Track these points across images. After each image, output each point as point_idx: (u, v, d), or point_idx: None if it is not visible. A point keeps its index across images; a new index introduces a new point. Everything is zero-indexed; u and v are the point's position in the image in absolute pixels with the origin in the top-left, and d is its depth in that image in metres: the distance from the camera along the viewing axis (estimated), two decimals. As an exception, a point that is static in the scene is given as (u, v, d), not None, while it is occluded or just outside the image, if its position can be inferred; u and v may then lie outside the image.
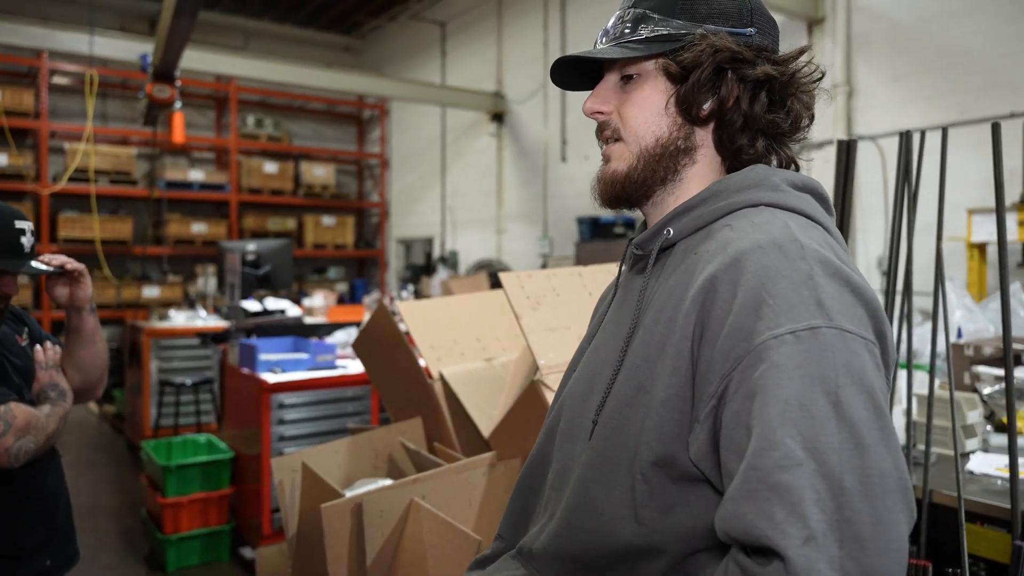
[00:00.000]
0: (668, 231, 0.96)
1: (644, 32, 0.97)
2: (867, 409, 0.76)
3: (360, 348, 2.59)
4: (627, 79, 0.99)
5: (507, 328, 2.51)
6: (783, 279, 0.80)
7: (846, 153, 2.09)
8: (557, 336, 1.92)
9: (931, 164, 2.09)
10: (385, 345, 2.44)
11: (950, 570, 1.79)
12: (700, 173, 0.98)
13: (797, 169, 1.01)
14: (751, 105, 0.94)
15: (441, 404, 2.27)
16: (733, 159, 0.98)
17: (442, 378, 2.26)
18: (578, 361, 1.08)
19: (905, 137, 1.96)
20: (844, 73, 5.83)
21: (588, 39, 8.30)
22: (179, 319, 6.59)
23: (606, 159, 1.01)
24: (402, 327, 2.55)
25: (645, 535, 0.87)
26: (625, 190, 0.99)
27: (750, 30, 0.95)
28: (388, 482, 1.96)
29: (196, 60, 7.40)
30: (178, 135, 6.58)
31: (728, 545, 0.80)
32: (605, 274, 2.17)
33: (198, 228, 10.53)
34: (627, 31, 0.98)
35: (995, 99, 5.00)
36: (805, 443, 0.73)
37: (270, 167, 11.11)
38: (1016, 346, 2.47)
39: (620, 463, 0.89)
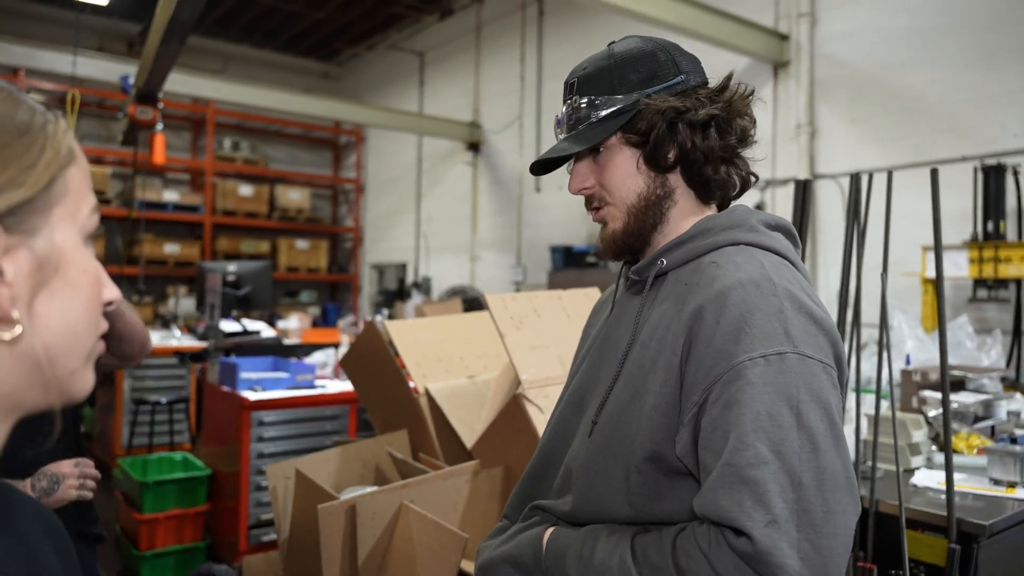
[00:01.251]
0: (662, 261, 1.12)
1: (600, 112, 1.12)
2: (822, 420, 0.93)
3: (348, 364, 2.71)
4: (597, 154, 1.15)
5: (488, 348, 2.66)
6: (759, 312, 0.97)
7: (803, 192, 2.29)
8: (538, 354, 2.07)
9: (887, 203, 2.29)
10: (373, 361, 2.56)
11: (893, 572, 1.96)
12: (682, 210, 1.15)
13: (756, 179, 1.19)
14: (704, 141, 1.10)
15: (426, 417, 2.40)
16: (705, 188, 1.14)
17: (428, 393, 2.39)
18: (578, 369, 1.24)
19: (855, 179, 2.16)
20: (807, 115, 6.11)
21: (563, 73, 8.47)
22: (154, 339, 6.60)
23: (603, 223, 1.17)
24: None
25: (635, 516, 1.04)
26: (626, 243, 1.15)
27: (681, 77, 1.12)
28: (376, 489, 2.08)
29: (175, 82, 7.41)
30: (159, 156, 6.64)
31: None
32: (583, 298, 2.33)
33: (171, 249, 10.54)
34: (582, 117, 1.13)
35: (950, 142, 5.28)
36: (772, 446, 0.90)
37: (245, 190, 11.17)
38: (956, 373, 2.67)
39: (617, 458, 1.05)
